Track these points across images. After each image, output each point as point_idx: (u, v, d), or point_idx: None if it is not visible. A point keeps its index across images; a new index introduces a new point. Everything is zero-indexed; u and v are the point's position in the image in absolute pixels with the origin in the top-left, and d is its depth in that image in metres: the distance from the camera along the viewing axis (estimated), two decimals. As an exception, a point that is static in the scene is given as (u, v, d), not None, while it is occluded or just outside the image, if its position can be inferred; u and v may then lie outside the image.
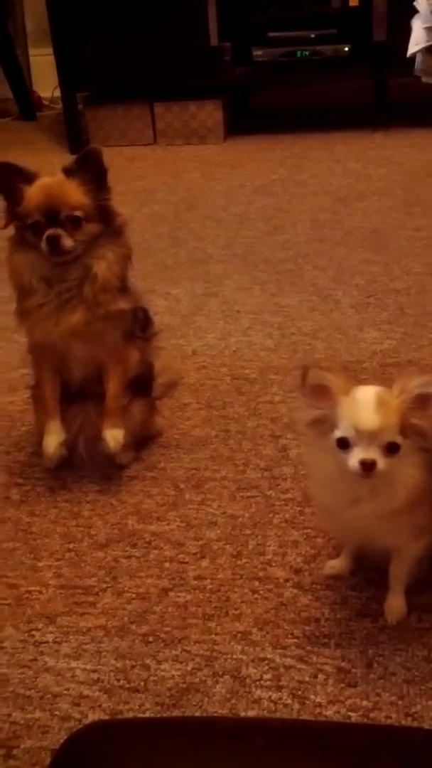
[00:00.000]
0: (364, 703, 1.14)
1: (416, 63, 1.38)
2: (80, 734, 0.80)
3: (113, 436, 1.62)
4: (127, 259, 1.57)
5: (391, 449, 1.09)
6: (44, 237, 1.47)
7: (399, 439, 1.09)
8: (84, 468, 1.68)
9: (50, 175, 1.53)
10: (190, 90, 3.70)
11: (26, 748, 1.13)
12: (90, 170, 1.51)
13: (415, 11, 1.83)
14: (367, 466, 1.08)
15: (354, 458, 1.08)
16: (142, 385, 1.71)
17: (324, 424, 1.13)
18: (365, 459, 1.08)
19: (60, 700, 1.20)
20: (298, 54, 3.60)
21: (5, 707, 1.19)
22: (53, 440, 1.62)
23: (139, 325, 1.69)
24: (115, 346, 1.61)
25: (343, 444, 1.10)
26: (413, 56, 1.39)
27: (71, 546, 1.49)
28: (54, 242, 1.47)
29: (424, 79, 1.36)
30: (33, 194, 1.49)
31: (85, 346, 1.57)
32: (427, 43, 1.32)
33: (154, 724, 0.88)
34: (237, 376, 1.98)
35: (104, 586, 1.39)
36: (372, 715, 1.12)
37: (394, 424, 1.09)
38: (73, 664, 1.25)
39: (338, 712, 1.14)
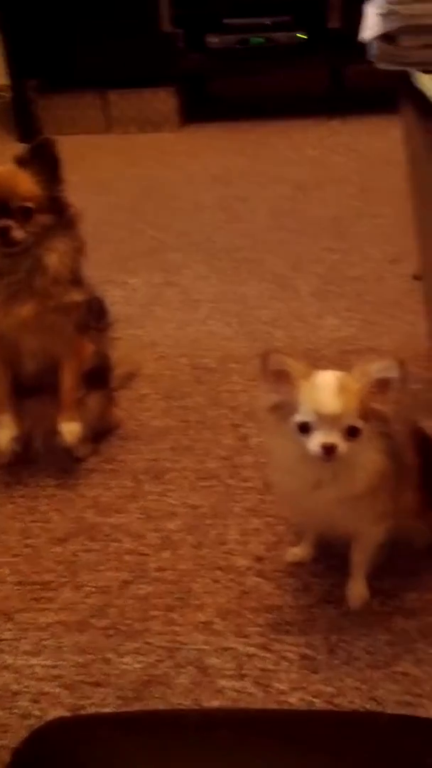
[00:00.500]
0: (328, 689, 1.14)
1: (370, 49, 1.37)
2: (40, 732, 0.78)
3: (69, 430, 1.60)
4: (80, 251, 1.55)
5: (352, 433, 1.09)
6: None
7: (359, 423, 1.09)
8: (41, 462, 1.65)
9: (0, 165, 1.49)
10: (144, 77, 3.65)
11: (-15, 748, 1.11)
12: (43, 161, 1.48)
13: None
14: (328, 450, 1.08)
15: (315, 442, 1.08)
16: (98, 376, 1.68)
17: (285, 409, 1.12)
18: (326, 442, 1.08)
19: (20, 697, 1.17)
20: (253, 41, 3.58)
21: (-37, 707, 1.16)
22: (5, 435, 1.59)
23: (94, 316, 1.67)
24: (68, 338, 1.58)
25: (304, 428, 1.10)
26: (367, 42, 1.38)
27: (29, 541, 1.46)
28: (3, 234, 1.44)
29: (379, 66, 1.36)
30: None
31: (37, 338, 1.54)
32: (381, 30, 1.31)
33: (116, 719, 0.87)
34: (196, 365, 1.96)
35: (63, 581, 1.37)
36: (335, 700, 1.12)
37: (354, 409, 1.09)
38: (33, 660, 1.23)
39: (302, 698, 1.13)
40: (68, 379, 1.59)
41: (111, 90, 3.71)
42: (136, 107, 3.75)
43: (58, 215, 1.50)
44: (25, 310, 1.49)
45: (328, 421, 1.08)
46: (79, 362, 1.61)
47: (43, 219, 1.48)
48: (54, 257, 1.49)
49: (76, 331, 1.59)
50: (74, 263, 1.53)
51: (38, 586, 1.36)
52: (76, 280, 1.55)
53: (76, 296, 1.54)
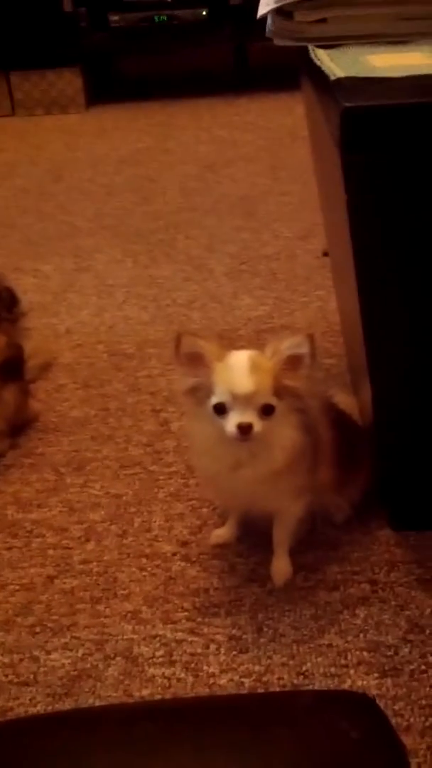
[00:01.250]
0: (257, 667, 1.15)
1: (267, 25, 1.36)
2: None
3: None
4: None
5: (267, 411, 1.10)
6: None
7: (273, 401, 1.10)
8: None
9: None
10: (47, 58, 3.57)
11: None
12: None
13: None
14: (244, 430, 1.08)
15: (231, 422, 1.09)
16: (12, 369, 1.64)
17: (201, 391, 1.13)
18: (242, 422, 1.08)
19: None
20: (156, 19, 3.53)
21: None
22: None
23: (4, 306, 1.62)
24: None
25: (220, 409, 1.10)
26: (265, 18, 1.37)
27: None
28: None
29: (277, 42, 1.35)
30: None
31: None
32: (276, 4, 1.30)
33: (43, 720, 0.86)
34: (114, 352, 1.94)
35: (-15, 580, 1.34)
36: (264, 678, 1.14)
37: (268, 387, 1.10)
38: (-43, 665, 1.20)
39: (232, 679, 1.14)
40: None
41: (14, 72, 3.61)
42: (41, 89, 3.66)
43: None
44: None
45: (242, 400, 1.09)
46: None
47: None
48: None
49: None
50: None
51: (-41, 589, 1.32)
52: None
53: None
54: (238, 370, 1.10)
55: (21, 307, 1.71)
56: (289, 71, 1.75)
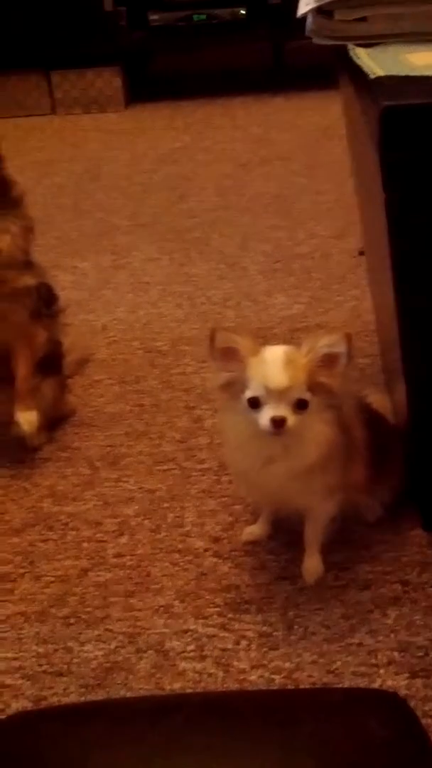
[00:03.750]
0: (287, 664, 1.16)
1: (307, 24, 1.36)
2: (2, 727, 0.78)
3: (27, 419, 1.58)
4: (30, 231, 1.52)
5: (300, 406, 1.11)
6: None
7: (308, 396, 1.11)
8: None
9: None
10: (87, 57, 3.60)
11: None
12: None
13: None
14: (278, 423, 1.09)
15: (265, 416, 1.10)
16: (51, 364, 1.67)
17: (235, 386, 1.14)
18: (275, 416, 1.09)
19: (-19, 691, 1.17)
20: (195, 18, 3.54)
21: None
22: None
23: (45, 302, 1.64)
24: (21, 326, 1.56)
25: (254, 403, 1.11)
26: (304, 17, 1.38)
27: (-16, 534, 1.45)
28: None
29: (315, 40, 1.35)
30: None
31: None
32: (317, 3, 1.30)
33: (75, 710, 0.87)
34: (149, 349, 1.96)
35: (21, 571, 1.36)
36: (294, 675, 1.14)
37: (302, 382, 1.10)
38: (-7, 653, 1.22)
39: (262, 676, 1.15)
40: (23, 368, 1.57)
41: (54, 71, 3.65)
42: (80, 88, 3.69)
43: (4, 195, 1.47)
44: None
45: (276, 395, 1.10)
46: (32, 350, 1.59)
47: None
48: (8, 239, 1.46)
49: (28, 318, 1.56)
50: (27, 244, 1.50)
51: (-4, 579, 1.35)
52: (28, 263, 1.52)
53: (29, 280, 1.52)
54: (273, 365, 1.11)
55: (60, 304, 1.73)
56: (326, 70, 1.75)
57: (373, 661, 1.14)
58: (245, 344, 1.14)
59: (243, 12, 3.51)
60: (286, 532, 1.35)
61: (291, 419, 1.10)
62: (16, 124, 3.46)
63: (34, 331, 1.59)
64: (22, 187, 1.51)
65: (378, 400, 1.43)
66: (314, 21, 1.36)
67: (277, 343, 1.18)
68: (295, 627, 1.21)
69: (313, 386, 1.11)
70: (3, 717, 0.98)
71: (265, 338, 1.90)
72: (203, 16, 3.54)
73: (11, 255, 1.47)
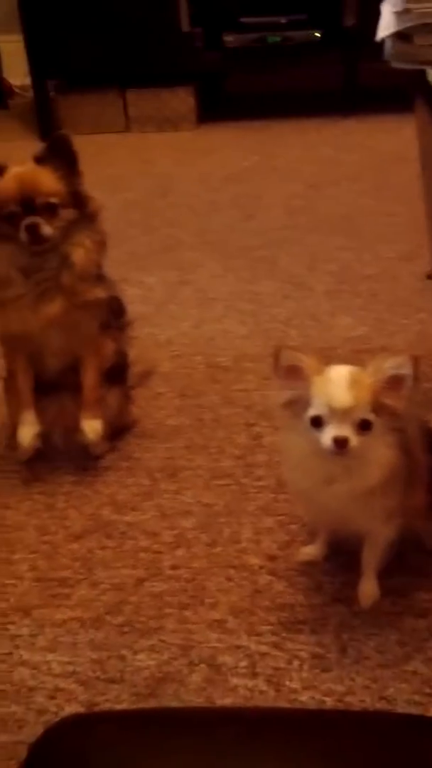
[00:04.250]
0: (339, 687, 1.15)
1: (386, 48, 1.38)
2: (56, 728, 0.80)
3: (92, 427, 1.62)
4: (103, 245, 1.56)
5: (364, 426, 1.10)
6: (22, 226, 1.46)
7: (371, 417, 1.10)
8: (58, 459, 1.67)
9: (20, 164, 1.51)
10: (162, 76, 3.67)
11: (2, 743, 1.13)
12: (60, 156, 1.50)
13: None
14: (340, 443, 1.09)
15: (327, 435, 1.10)
16: (117, 374, 1.70)
17: (298, 404, 1.14)
18: (338, 436, 1.09)
19: (36, 693, 1.20)
20: (270, 39, 3.58)
21: (-20, 701, 1.19)
22: (28, 432, 1.61)
23: (114, 314, 1.68)
24: (91, 337, 1.60)
25: (317, 422, 1.11)
26: (383, 41, 1.39)
27: (46, 538, 1.48)
28: (33, 230, 1.46)
29: (394, 64, 1.36)
30: (6, 185, 1.47)
31: (62, 336, 1.56)
32: (396, 28, 1.31)
33: (130, 715, 0.88)
34: (211, 364, 1.98)
35: (79, 577, 1.39)
36: (346, 699, 1.13)
37: (366, 402, 1.10)
38: (49, 656, 1.25)
39: (313, 697, 1.14)
40: (91, 377, 1.61)
41: (129, 89, 3.73)
42: (154, 106, 3.76)
43: (81, 209, 1.52)
44: (53, 308, 1.50)
45: (339, 414, 1.10)
46: (101, 360, 1.63)
47: (68, 214, 1.50)
48: (81, 252, 1.51)
49: (98, 329, 1.60)
50: (99, 258, 1.55)
51: (55, 583, 1.38)
52: (99, 276, 1.57)
53: (100, 292, 1.56)
54: (338, 384, 1.11)
55: (127, 317, 1.77)
56: (399, 93, 1.75)
57: (428, 690, 1.13)
58: (310, 363, 1.14)
59: (317, 34, 3.54)
60: (342, 554, 1.34)
61: (354, 440, 1.10)
62: (91, 141, 3.54)
63: (103, 342, 1.63)
64: (98, 203, 1.55)
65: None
66: (393, 45, 1.37)
67: (341, 364, 1.18)
68: (349, 650, 1.20)
69: (377, 407, 1.11)
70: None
71: (328, 359, 1.90)
72: (277, 38, 3.57)
73: (84, 268, 1.51)
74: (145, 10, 3.50)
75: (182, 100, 3.74)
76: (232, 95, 4.16)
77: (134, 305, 2.24)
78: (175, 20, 3.50)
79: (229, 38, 3.59)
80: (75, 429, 1.62)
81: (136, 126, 3.79)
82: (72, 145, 1.51)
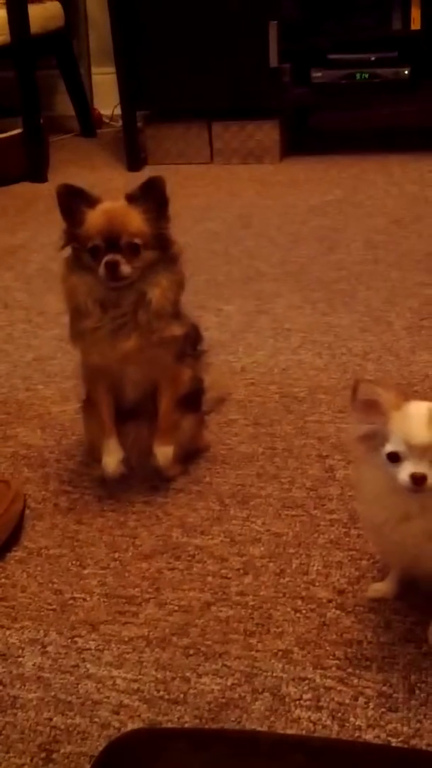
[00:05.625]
0: (405, 729, 1.13)
1: None
2: (122, 740, 0.81)
3: (164, 453, 1.65)
4: (181, 286, 1.58)
5: None
6: (103, 262, 1.49)
7: None
8: (132, 479, 1.70)
9: (112, 200, 1.54)
10: (249, 110, 3.74)
11: (65, 753, 1.15)
12: (152, 198, 1.52)
13: None
14: (418, 480, 1.08)
15: (404, 472, 1.09)
16: (192, 400, 1.73)
17: (375, 439, 1.14)
18: (416, 473, 1.08)
19: (100, 707, 1.21)
20: (358, 76, 3.61)
21: (47, 711, 1.21)
22: (113, 459, 1.65)
23: (191, 343, 1.71)
24: (168, 368, 1.63)
25: (394, 458, 1.10)
26: None
27: (116, 555, 1.51)
28: (113, 268, 1.48)
29: None
30: (95, 218, 1.51)
31: (139, 370, 1.60)
32: None
33: (195, 733, 0.89)
34: (285, 394, 1.98)
35: (147, 596, 1.40)
36: (413, 741, 1.11)
37: None
38: (115, 672, 1.26)
39: (378, 736, 1.12)
40: (166, 405, 1.64)
41: (216, 121, 3.81)
42: (239, 139, 3.83)
43: (163, 251, 1.54)
44: (129, 344, 1.53)
45: (418, 451, 1.09)
46: (176, 389, 1.66)
47: (149, 255, 1.52)
48: (157, 292, 1.53)
49: (175, 360, 1.63)
50: (176, 297, 1.57)
51: (123, 600, 1.40)
52: (176, 314, 1.59)
53: (177, 330, 1.58)
54: (417, 420, 1.10)
55: (204, 344, 1.80)
56: None
57: None
58: (388, 397, 1.14)
59: (406, 72, 3.55)
60: (414, 593, 1.32)
61: (432, 477, 1.09)
62: (177, 171, 3.64)
63: (179, 372, 1.66)
64: (180, 246, 1.58)
65: None
66: None
67: (421, 400, 1.17)
68: (417, 692, 1.18)
69: (458, 447, 1.10)
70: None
71: (407, 394, 1.88)
72: (366, 75, 3.61)
73: (160, 307, 1.53)
74: (235, 44, 3.58)
75: (267, 134, 3.80)
76: (318, 130, 4.20)
77: (211, 332, 2.28)
78: (265, 55, 3.57)
79: (317, 74, 3.64)
80: (149, 453, 1.65)
81: (220, 158, 3.87)
82: (165, 188, 1.52)
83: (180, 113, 3.80)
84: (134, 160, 3.80)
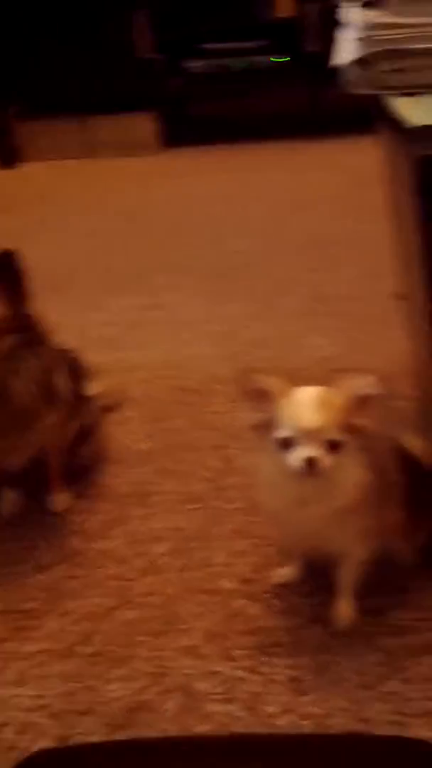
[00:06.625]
0: (317, 710, 1.13)
1: (344, 74, 1.39)
2: (27, 762, 0.77)
3: (59, 500, 1.58)
4: (50, 370, 1.45)
5: (333, 447, 1.10)
6: None
7: (340, 437, 1.10)
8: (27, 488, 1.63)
9: None
10: (124, 103, 3.69)
11: (-31, 782, 1.09)
12: (4, 277, 1.37)
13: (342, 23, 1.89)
14: (310, 464, 1.09)
15: (297, 456, 1.09)
16: (84, 437, 1.64)
17: (267, 427, 1.13)
18: (308, 456, 1.08)
19: (4, 729, 1.15)
20: (232, 65, 3.63)
21: None
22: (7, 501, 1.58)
23: (73, 379, 1.57)
24: (50, 438, 1.52)
25: (286, 444, 1.10)
26: (341, 67, 1.40)
27: (12, 569, 1.45)
28: None
29: (354, 91, 1.37)
30: None
31: (22, 455, 1.49)
32: (355, 55, 1.33)
33: (101, 748, 0.86)
34: (181, 387, 1.96)
35: (47, 608, 1.35)
36: (325, 722, 1.11)
37: (335, 422, 1.10)
38: (17, 690, 1.21)
39: (291, 721, 1.12)
40: (54, 462, 1.57)
41: (91, 116, 3.75)
42: (117, 132, 3.78)
43: (26, 334, 1.39)
44: (3, 442, 1.43)
45: (308, 435, 1.09)
46: (62, 448, 1.57)
47: (9, 340, 1.37)
48: (19, 385, 1.39)
49: (58, 428, 1.52)
50: (47, 381, 1.44)
51: (21, 615, 1.34)
52: (49, 398, 1.45)
53: (51, 418, 1.46)
54: (305, 405, 1.11)
55: (89, 379, 1.66)
56: (363, 116, 1.77)
57: (406, 710, 1.11)
58: (277, 385, 1.14)
59: (281, 60, 3.59)
60: (317, 575, 1.33)
61: (324, 460, 1.09)
62: (54, 167, 3.55)
63: (63, 434, 1.55)
64: (46, 324, 1.45)
65: (414, 444, 1.41)
66: (353, 71, 1.38)
67: (311, 385, 1.17)
68: (326, 672, 1.18)
69: (347, 427, 1.11)
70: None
71: (299, 380, 1.90)
72: (241, 64, 3.63)
73: (25, 397, 1.40)
74: (105, 37, 3.53)
75: (144, 126, 3.77)
76: (196, 120, 4.19)
77: (102, 330, 2.24)
78: (137, 47, 3.54)
79: (192, 64, 3.64)
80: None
81: (99, 152, 3.80)
82: (17, 263, 1.36)
83: (54, 108, 3.72)
84: (8, 156, 3.68)
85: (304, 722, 1.11)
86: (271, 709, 1.14)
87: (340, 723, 1.11)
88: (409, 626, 1.24)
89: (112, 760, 0.73)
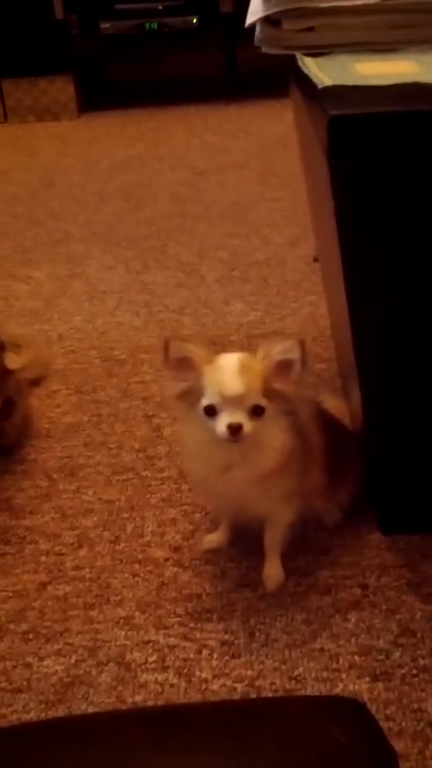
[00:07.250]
0: (249, 672, 1.16)
1: (256, 33, 1.37)
2: None
3: None
4: None
5: (256, 412, 1.11)
6: None
7: (263, 402, 1.11)
8: None
9: None
10: (39, 65, 3.58)
11: None
12: None
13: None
14: (234, 430, 1.09)
15: (221, 423, 1.10)
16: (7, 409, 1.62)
17: (191, 395, 1.13)
18: (232, 423, 1.09)
19: None
20: (147, 26, 3.54)
21: None
22: None
23: None
24: None
25: (210, 411, 1.11)
26: (253, 26, 1.38)
27: None
28: None
29: (264, 50, 1.36)
30: None
31: None
32: (264, 13, 1.31)
33: (31, 729, 0.86)
34: (106, 358, 1.95)
35: (-22, 588, 1.34)
36: (257, 683, 1.14)
37: (257, 388, 1.11)
38: None
39: (224, 684, 1.15)
40: None
41: (5, 79, 3.62)
42: (32, 96, 3.67)
43: None
44: None
45: (232, 401, 1.10)
46: None
47: None
48: None
49: None
50: None
51: None
52: None
53: None
54: (228, 372, 1.11)
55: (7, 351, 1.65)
56: (279, 78, 1.76)
57: (335, 666, 1.15)
58: (199, 353, 1.14)
59: (195, 21, 3.53)
60: (246, 539, 1.35)
61: (247, 426, 1.10)
62: (-32, 133, 3.42)
63: None
64: None
65: (334, 405, 1.44)
66: (262, 30, 1.37)
67: (235, 351, 1.18)
68: (257, 634, 1.21)
69: (269, 393, 1.12)
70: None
71: (222, 345, 1.91)
72: (155, 25, 3.55)
73: None
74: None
75: (61, 89, 3.66)
76: (113, 83, 4.10)
77: (22, 301, 2.19)
78: (49, 7, 3.42)
79: (106, 25, 3.54)
80: None
81: (15, 117, 3.69)
82: None
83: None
84: None
85: (237, 685, 1.14)
86: (204, 675, 1.16)
87: (271, 683, 1.14)
88: (335, 584, 1.28)
89: (42, 740, 0.73)
